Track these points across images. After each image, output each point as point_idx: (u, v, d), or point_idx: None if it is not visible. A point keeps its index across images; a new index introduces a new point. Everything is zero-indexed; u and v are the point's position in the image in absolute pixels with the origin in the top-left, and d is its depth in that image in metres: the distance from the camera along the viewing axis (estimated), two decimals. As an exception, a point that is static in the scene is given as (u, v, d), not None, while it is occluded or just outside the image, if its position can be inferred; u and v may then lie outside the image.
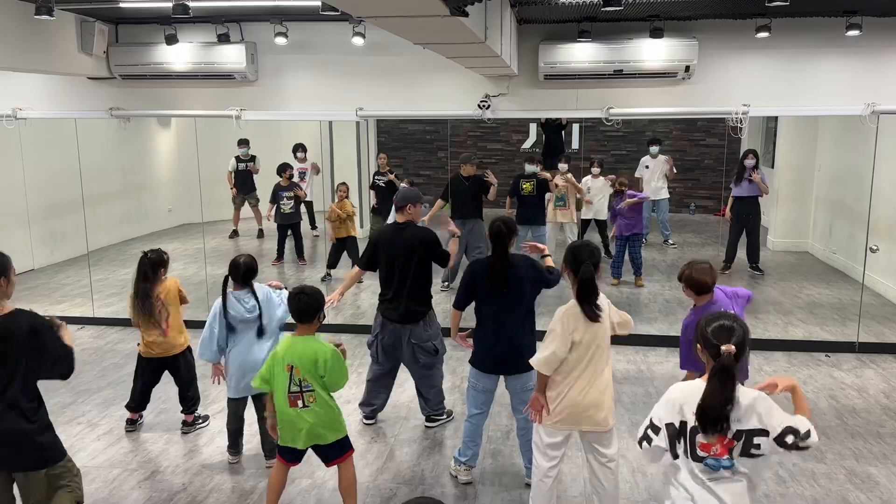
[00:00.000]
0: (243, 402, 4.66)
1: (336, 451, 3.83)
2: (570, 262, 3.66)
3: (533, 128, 12.04)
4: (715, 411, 2.51)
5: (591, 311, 3.56)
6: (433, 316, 5.10)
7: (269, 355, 3.87)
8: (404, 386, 5.61)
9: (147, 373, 5.13)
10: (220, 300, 4.47)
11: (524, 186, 8.35)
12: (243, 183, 10.07)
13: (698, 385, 2.62)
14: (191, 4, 5.64)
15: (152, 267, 4.93)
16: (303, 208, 9.43)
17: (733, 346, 2.54)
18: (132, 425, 5.19)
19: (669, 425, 2.65)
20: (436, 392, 5.21)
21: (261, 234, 10.35)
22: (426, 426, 5.22)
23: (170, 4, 5.60)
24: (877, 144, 6.56)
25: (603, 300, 3.67)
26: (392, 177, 9.05)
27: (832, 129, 9.35)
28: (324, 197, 9.55)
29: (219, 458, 4.77)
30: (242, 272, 4.47)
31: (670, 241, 10.03)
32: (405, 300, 4.94)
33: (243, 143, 9.73)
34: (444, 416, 5.27)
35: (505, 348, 4.21)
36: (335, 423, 3.78)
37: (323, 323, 3.81)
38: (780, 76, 6.44)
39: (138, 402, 5.19)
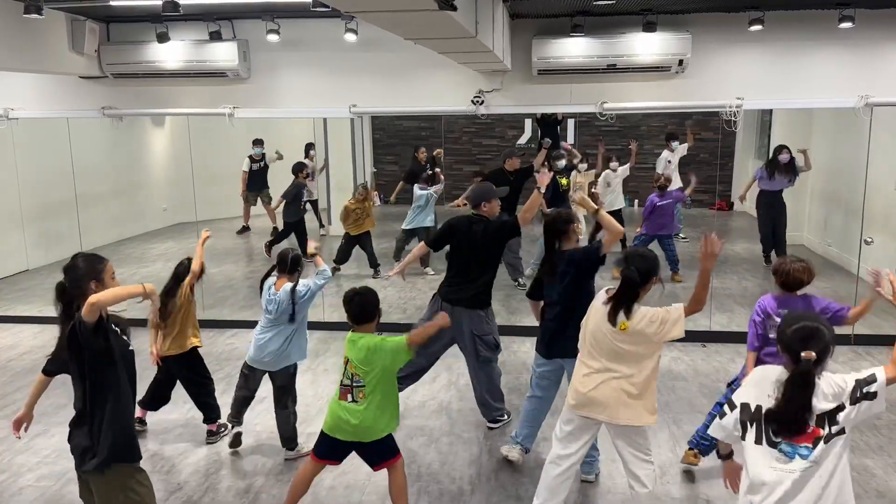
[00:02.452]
0: (258, 375, 4.74)
1: (377, 454, 3.77)
2: (620, 264, 3.61)
3: (528, 123, 12.02)
4: (790, 417, 2.46)
5: (612, 312, 3.51)
6: (492, 311, 5.13)
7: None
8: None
9: (160, 371, 5.04)
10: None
11: (562, 182, 8.38)
12: (256, 182, 10.08)
13: (780, 371, 2.58)
14: (181, 2, 5.61)
15: (185, 272, 4.88)
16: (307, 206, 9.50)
17: (814, 354, 2.46)
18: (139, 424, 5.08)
19: (745, 406, 2.60)
20: (495, 391, 5.16)
21: (275, 231, 10.28)
22: (489, 427, 5.14)
23: (160, 2, 5.57)
24: (871, 137, 6.56)
25: (647, 316, 3.52)
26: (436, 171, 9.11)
27: (826, 122, 9.35)
28: (328, 195, 9.58)
29: (215, 458, 4.76)
30: (290, 263, 4.62)
31: (681, 235, 10.03)
32: (473, 286, 4.96)
33: (258, 143, 9.78)
34: (506, 417, 5.20)
35: (558, 334, 4.26)
36: (380, 424, 3.69)
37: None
38: (774, 69, 6.43)
39: (146, 399, 5.10)
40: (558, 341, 4.27)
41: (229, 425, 4.88)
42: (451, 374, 5.95)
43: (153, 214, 10.87)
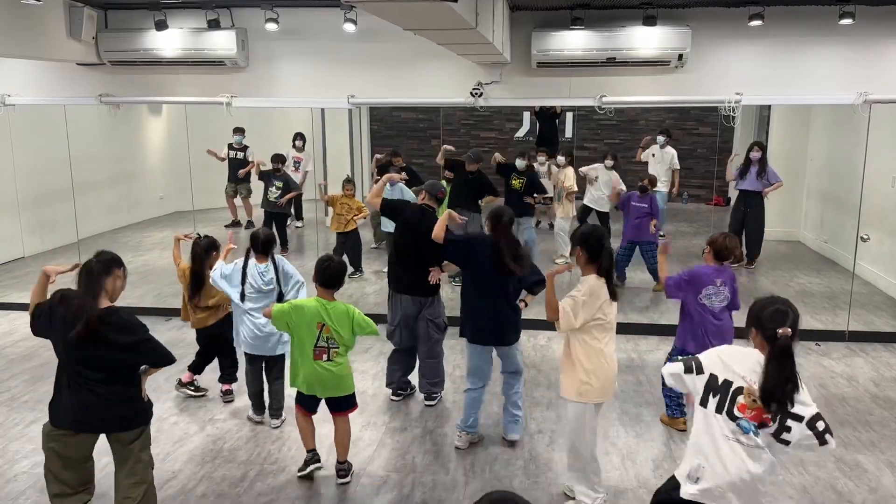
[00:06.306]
0: (259, 362, 4.95)
1: (346, 403, 4.28)
2: (583, 243, 3.82)
3: (526, 116, 12.01)
4: (778, 392, 2.67)
5: (612, 289, 3.85)
6: (440, 295, 5.39)
7: (290, 306, 4.17)
8: (396, 374, 5.63)
9: (201, 341, 5.43)
10: (240, 263, 4.82)
11: (514, 183, 8.16)
12: (235, 172, 10.01)
13: (749, 352, 2.80)
14: (180, -10, 5.59)
15: (205, 251, 5.13)
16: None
17: (790, 329, 2.69)
18: (183, 387, 5.48)
19: (713, 376, 2.81)
20: (438, 366, 5.42)
21: (250, 224, 10.29)
22: (426, 405, 5.38)
23: (159, -10, 5.55)
24: (868, 134, 6.57)
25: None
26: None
27: (824, 119, 9.35)
28: (314, 186, 9.54)
29: (209, 447, 4.77)
30: (262, 242, 4.80)
31: (660, 233, 10.01)
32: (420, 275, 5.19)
33: (238, 130, 9.67)
34: (441, 393, 5.51)
35: (494, 323, 4.58)
36: (351, 378, 4.25)
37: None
38: (773, 65, 6.43)
39: (196, 364, 5.49)
40: (497, 329, 4.59)
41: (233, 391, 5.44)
42: (446, 367, 5.95)
43: (149, 203, 10.83)
